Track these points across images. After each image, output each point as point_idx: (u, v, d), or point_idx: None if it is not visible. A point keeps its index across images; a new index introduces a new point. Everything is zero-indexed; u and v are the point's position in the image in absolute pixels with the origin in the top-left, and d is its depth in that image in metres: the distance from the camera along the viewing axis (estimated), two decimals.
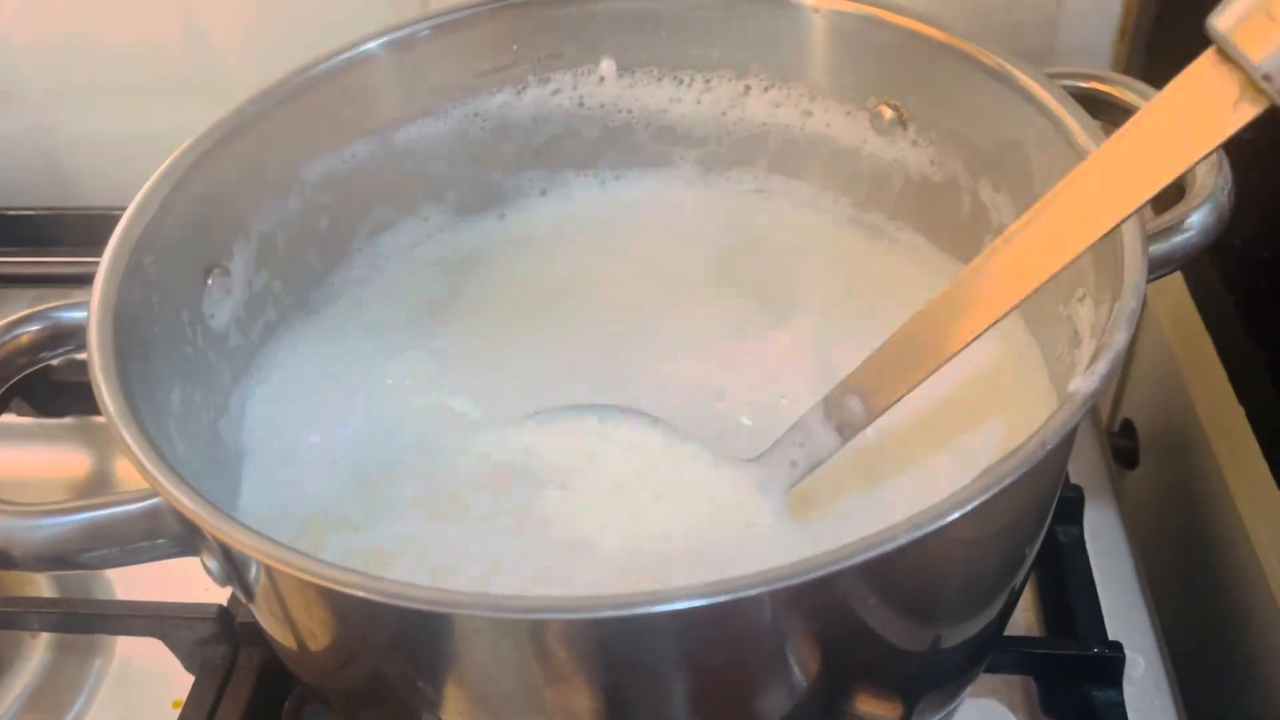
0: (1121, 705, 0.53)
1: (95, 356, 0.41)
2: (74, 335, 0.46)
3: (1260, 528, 0.58)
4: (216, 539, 0.37)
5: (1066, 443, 0.37)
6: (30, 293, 0.82)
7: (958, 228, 0.56)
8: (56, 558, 0.40)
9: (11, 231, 0.83)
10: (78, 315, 0.45)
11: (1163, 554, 0.67)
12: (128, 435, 0.38)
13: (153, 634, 0.57)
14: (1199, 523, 0.65)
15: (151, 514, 0.39)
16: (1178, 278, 0.66)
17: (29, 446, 0.73)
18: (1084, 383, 0.37)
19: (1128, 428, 0.74)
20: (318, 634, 0.40)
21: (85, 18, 0.79)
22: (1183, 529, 0.67)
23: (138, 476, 0.71)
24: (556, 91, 0.60)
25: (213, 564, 0.40)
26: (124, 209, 0.80)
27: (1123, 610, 0.58)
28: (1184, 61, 0.35)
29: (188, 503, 0.36)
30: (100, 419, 0.72)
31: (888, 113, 0.56)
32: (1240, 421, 0.59)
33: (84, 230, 0.82)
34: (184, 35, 0.79)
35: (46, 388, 0.72)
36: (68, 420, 0.75)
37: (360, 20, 0.75)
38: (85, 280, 0.79)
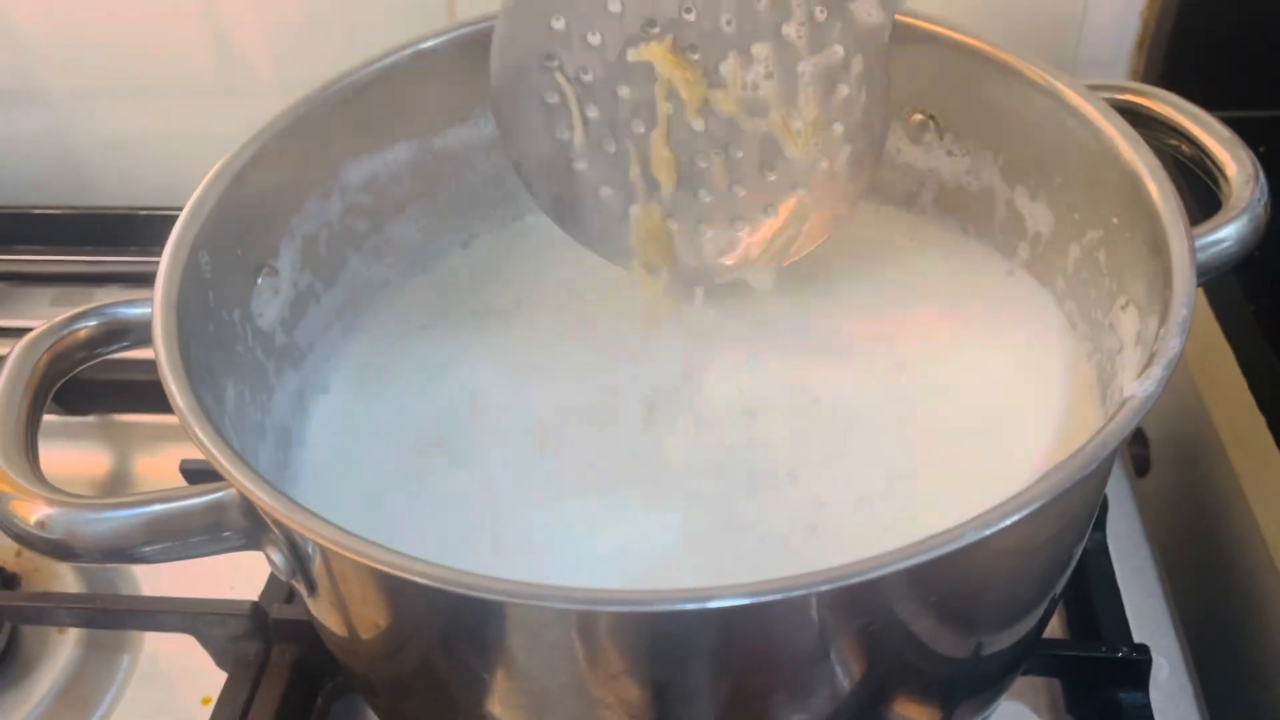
0: (1148, 707, 0.54)
1: (162, 352, 0.41)
2: (130, 331, 0.46)
3: (1278, 534, 0.59)
4: (291, 530, 0.37)
5: (1121, 446, 0.38)
6: (50, 291, 0.82)
7: (992, 234, 0.56)
8: (118, 550, 0.40)
9: (32, 230, 0.83)
10: (135, 312, 0.45)
11: (1176, 559, 0.68)
12: (199, 429, 0.39)
13: (186, 630, 0.58)
14: (1212, 528, 0.66)
15: (216, 508, 0.40)
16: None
17: (52, 444, 0.73)
18: (1140, 387, 0.38)
19: (1139, 435, 0.75)
20: (380, 622, 0.40)
21: (107, 19, 0.80)
22: (1195, 534, 0.68)
23: (158, 475, 0.72)
24: None
25: (277, 557, 0.40)
26: (144, 209, 0.82)
27: (1145, 614, 0.59)
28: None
29: (263, 496, 0.36)
30: (123, 417, 0.74)
31: (923, 121, 0.57)
32: (1261, 430, 0.60)
33: (103, 230, 0.82)
34: (205, 37, 0.79)
35: (71, 386, 0.72)
36: (90, 418, 0.75)
37: (385, 23, 0.76)
38: (104, 279, 0.80)
